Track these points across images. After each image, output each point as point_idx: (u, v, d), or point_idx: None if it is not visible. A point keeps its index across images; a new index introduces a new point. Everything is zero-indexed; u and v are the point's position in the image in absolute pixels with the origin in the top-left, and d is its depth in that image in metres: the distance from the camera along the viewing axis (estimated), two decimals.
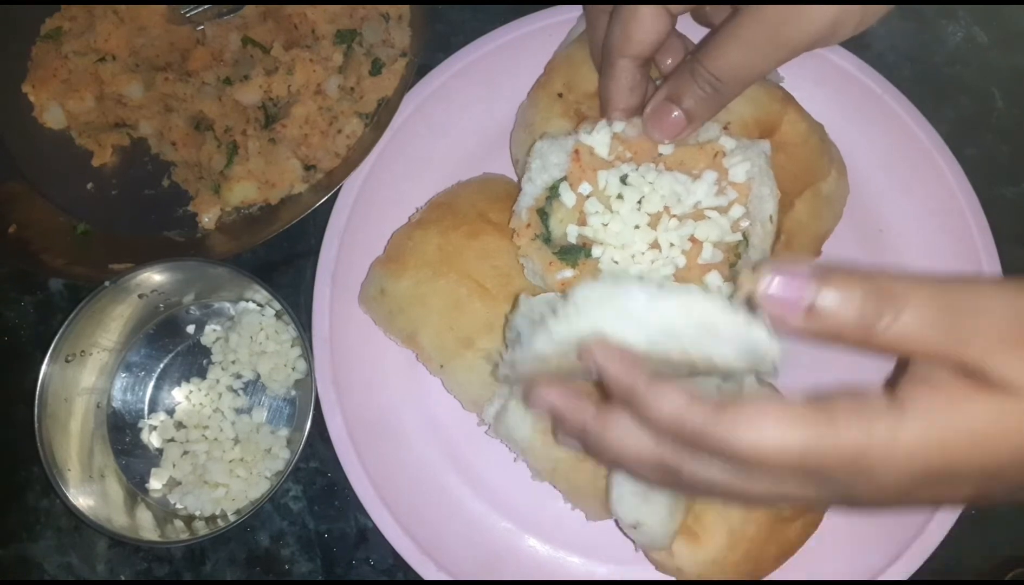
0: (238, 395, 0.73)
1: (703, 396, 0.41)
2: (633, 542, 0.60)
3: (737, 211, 0.59)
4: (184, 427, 0.73)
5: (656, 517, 0.56)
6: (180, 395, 0.74)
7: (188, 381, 0.74)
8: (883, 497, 0.41)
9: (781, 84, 0.70)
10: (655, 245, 0.59)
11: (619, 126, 0.61)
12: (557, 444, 0.54)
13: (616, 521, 0.59)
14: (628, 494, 0.56)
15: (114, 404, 0.74)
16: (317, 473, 0.73)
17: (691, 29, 0.67)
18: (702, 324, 0.43)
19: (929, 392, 0.40)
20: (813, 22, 0.52)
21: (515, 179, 0.72)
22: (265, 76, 0.77)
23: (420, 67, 0.76)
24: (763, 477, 0.41)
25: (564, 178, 0.61)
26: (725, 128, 0.61)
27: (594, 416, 0.46)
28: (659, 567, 0.61)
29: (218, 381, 0.73)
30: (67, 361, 0.68)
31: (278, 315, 0.73)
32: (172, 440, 0.72)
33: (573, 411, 0.47)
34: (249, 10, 0.81)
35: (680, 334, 0.42)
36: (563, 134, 0.63)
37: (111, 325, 0.72)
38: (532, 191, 0.62)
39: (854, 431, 0.39)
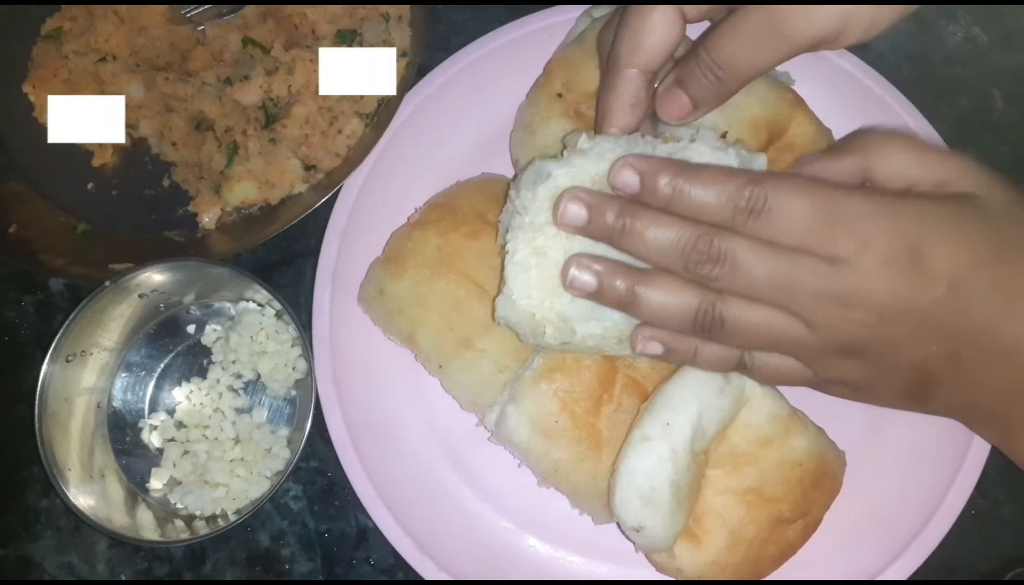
0: (238, 395, 0.74)
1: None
2: (633, 544, 0.60)
3: None
4: (184, 427, 0.73)
5: (659, 520, 0.56)
6: (180, 395, 0.74)
7: (188, 381, 0.74)
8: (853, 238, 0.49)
9: (792, 86, 0.70)
10: None
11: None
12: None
13: (618, 523, 0.59)
14: (631, 497, 0.56)
15: (114, 404, 0.74)
16: (317, 473, 0.73)
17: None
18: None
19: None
20: (818, 21, 0.52)
21: None
22: (265, 76, 0.77)
23: (420, 67, 0.76)
24: (782, 227, 0.49)
25: None
26: (722, 136, 0.60)
27: (627, 205, 0.51)
28: (659, 568, 0.61)
29: (218, 381, 0.73)
30: (67, 361, 0.69)
31: (278, 315, 0.74)
32: (172, 440, 0.72)
33: (603, 199, 0.52)
34: (249, 10, 0.81)
35: None
36: (556, 147, 0.63)
37: (111, 325, 0.72)
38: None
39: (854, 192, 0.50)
